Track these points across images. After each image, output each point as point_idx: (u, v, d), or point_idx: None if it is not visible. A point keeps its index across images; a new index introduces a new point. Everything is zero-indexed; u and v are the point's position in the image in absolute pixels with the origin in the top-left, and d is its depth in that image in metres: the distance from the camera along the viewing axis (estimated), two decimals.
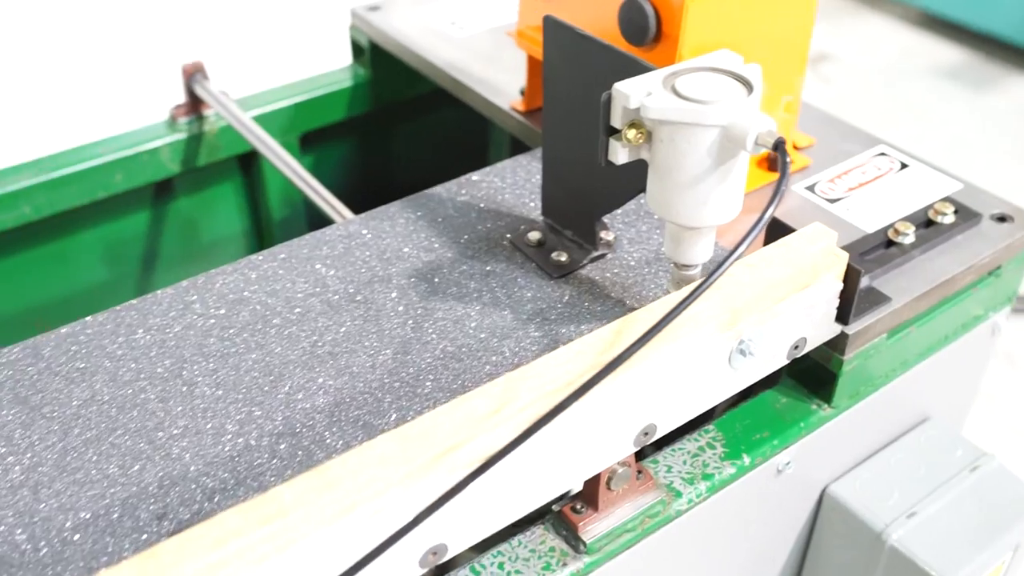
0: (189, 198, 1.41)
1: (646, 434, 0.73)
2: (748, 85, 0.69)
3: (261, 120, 1.36)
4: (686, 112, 0.67)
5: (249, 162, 1.43)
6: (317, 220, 1.50)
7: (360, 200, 1.49)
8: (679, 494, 0.80)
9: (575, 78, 0.82)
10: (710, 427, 0.85)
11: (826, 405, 0.88)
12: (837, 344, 0.84)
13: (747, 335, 0.75)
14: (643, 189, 0.76)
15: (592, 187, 0.84)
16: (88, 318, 0.84)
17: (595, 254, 0.88)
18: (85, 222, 1.33)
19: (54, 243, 1.32)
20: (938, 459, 0.97)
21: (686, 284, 0.78)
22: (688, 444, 0.84)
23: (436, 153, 1.61)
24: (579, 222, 0.89)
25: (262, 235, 1.50)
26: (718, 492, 0.82)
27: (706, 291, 0.64)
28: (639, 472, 0.79)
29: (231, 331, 0.82)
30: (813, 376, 0.88)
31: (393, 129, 1.55)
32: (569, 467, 0.69)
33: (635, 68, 0.75)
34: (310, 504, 0.59)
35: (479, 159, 1.54)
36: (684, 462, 0.83)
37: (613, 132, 0.72)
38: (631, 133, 0.70)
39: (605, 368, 0.63)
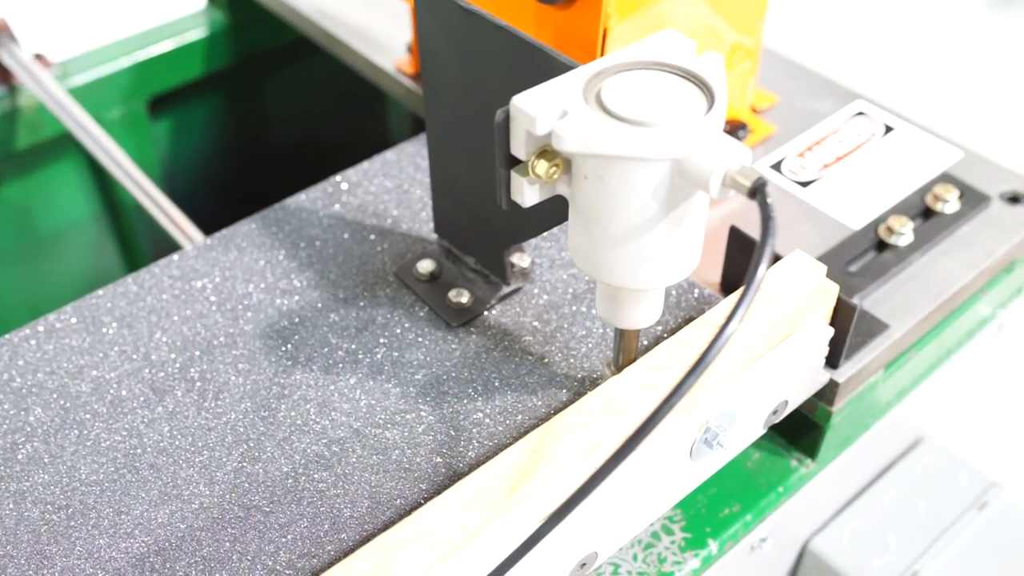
0: (16, 184, 1.16)
1: (583, 565, 0.54)
2: (707, 91, 0.48)
3: (97, 87, 1.10)
4: (620, 142, 0.45)
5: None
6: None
7: (228, 169, 1.25)
8: None
9: (463, 67, 0.59)
10: None
11: (808, 460, 0.70)
12: (824, 393, 0.65)
13: (713, 419, 0.55)
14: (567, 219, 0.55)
15: (497, 211, 0.62)
16: None
17: (506, 290, 0.67)
18: None
19: None
20: (939, 493, 0.80)
21: (628, 353, 0.58)
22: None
23: (320, 109, 1.36)
24: (483, 248, 0.67)
25: (119, 219, 1.25)
26: None
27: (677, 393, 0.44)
28: None
29: (12, 440, 0.60)
30: (793, 426, 0.69)
31: (264, 84, 1.30)
32: None
33: (542, 62, 0.53)
34: None
35: (371, 112, 1.30)
36: (635, 557, 0.64)
37: (515, 162, 0.50)
38: (540, 167, 0.49)
39: (523, 544, 0.43)
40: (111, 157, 0.93)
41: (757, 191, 0.44)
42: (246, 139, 1.33)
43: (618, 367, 0.59)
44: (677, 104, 0.47)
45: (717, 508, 0.67)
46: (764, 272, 0.43)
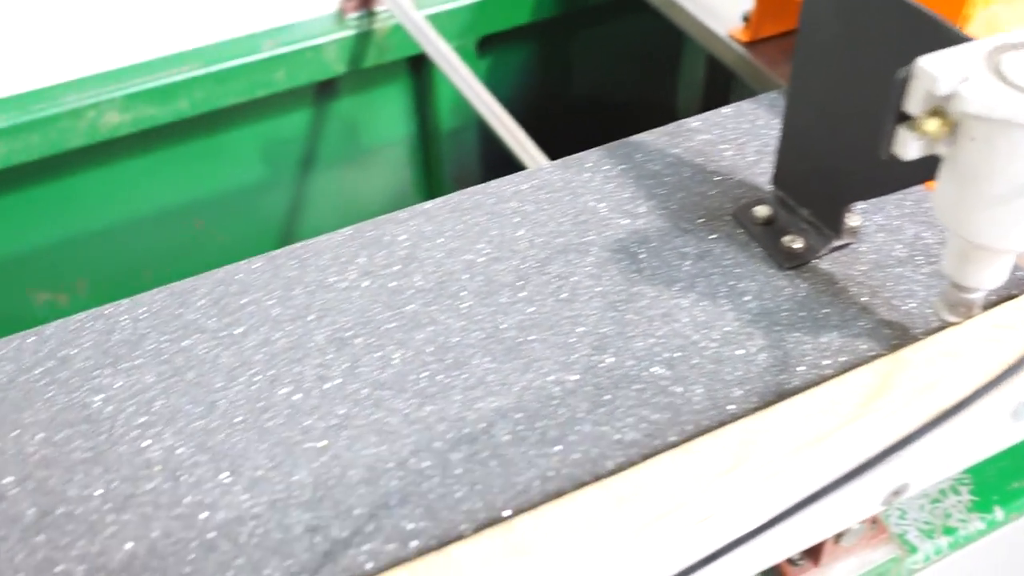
0: (353, 99, 1.30)
1: (896, 493, 0.60)
2: None
3: (437, 20, 1.22)
4: (1018, 110, 0.51)
5: (419, 65, 1.30)
6: (491, 137, 1.37)
7: (532, 117, 1.35)
8: (914, 549, 0.67)
9: (846, 31, 0.65)
10: None
11: None
12: None
13: None
14: (922, 181, 0.61)
15: (848, 167, 0.68)
16: (243, 263, 0.74)
17: (836, 243, 0.73)
18: (243, 119, 1.24)
19: (211, 138, 1.24)
20: None
21: (964, 309, 0.63)
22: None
23: (619, 70, 1.44)
24: (821, 202, 0.73)
25: (428, 145, 1.38)
26: (961, 550, 0.68)
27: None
28: (872, 522, 0.66)
29: (401, 298, 0.70)
30: None
31: (575, 39, 1.39)
32: (805, 530, 0.56)
33: (932, 32, 0.59)
34: (501, 570, 0.48)
35: (666, 81, 1.37)
36: (922, 508, 0.69)
37: (904, 119, 0.56)
38: (931, 124, 0.54)
39: (881, 454, 0.49)
40: (463, 79, 1.03)
41: None
42: (548, 91, 1.42)
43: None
44: None
45: (1007, 480, 0.70)
46: None
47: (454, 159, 1.37)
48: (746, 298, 0.69)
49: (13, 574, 0.55)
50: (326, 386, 0.64)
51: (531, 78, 1.39)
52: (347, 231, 0.76)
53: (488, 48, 1.31)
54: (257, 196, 1.32)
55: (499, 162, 1.38)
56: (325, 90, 1.26)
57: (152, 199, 1.25)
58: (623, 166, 0.80)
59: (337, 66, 1.20)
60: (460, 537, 0.55)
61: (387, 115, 1.33)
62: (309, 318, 0.69)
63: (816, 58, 0.68)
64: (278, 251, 0.74)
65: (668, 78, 1.38)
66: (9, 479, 0.60)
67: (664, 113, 1.41)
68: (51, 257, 1.25)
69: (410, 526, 0.56)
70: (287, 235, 1.39)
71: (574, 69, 1.41)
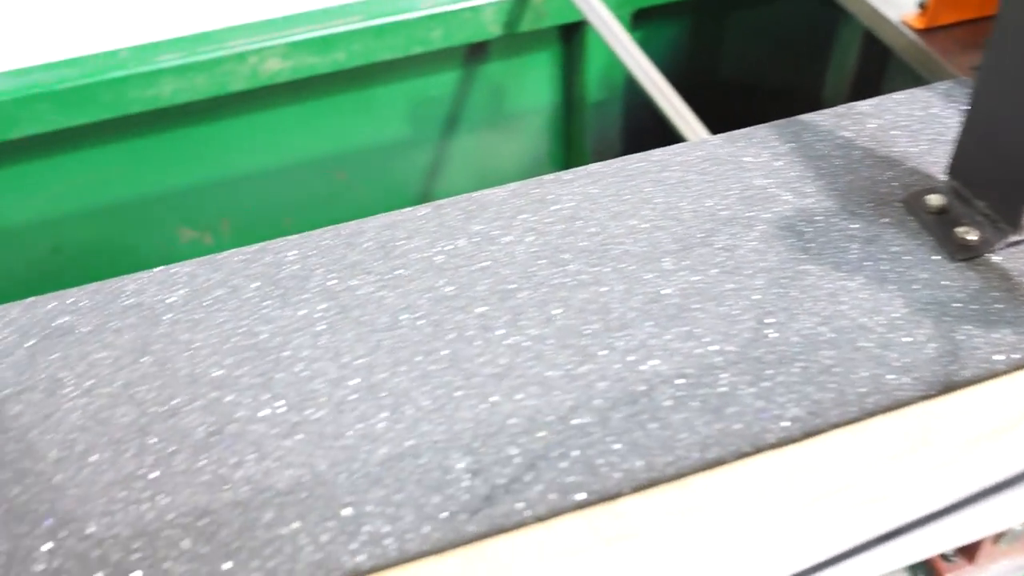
0: (502, 63, 1.30)
1: None
2: None
3: None
4: None
5: (572, 34, 1.29)
6: (638, 109, 1.37)
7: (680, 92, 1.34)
8: None
9: None
10: None
11: None
12: None
13: None
14: None
15: None
16: (409, 210, 0.75)
17: (1013, 238, 0.70)
18: (394, 76, 1.25)
19: (362, 92, 1.25)
20: None
21: None
22: None
23: (766, 51, 1.42)
24: (1001, 195, 0.71)
25: (571, 115, 1.38)
26: None
27: None
28: None
29: (565, 255, 0.71)
30: None
31: (729, 16, 1.37)
32: (968, 525, 0.55)
33: None
34: (666, 528, 0.48)
35: (814, 66, 1.34)
36: None
37: None
38: None
39: None
40: (625, 48, 1.03)
41: None
42: (695, 68, 1.41)
43: None
44: None
45: None
46: None
47: (596, 131, 1.37)
48: (915, 286, 0.68)
49: (184, 487, 0.57)
50: (488, 336, 0.65)
51: (679, 54, 1.38)
52: (512, 186, 0.76)
53: (642, 21, 1.30)
54: (398, 153, 1.34)
55: (643, 135, 1.38)
56: (476, 53, 1.27)
57: (300, 148, 1.27)
58: (792, 144, 0.79)
59: (492, 28, 1.21)
60: (619, 494, 0.55)
61: (533, 82, 1.33)
62: (473, 268, 0.70)
63: (1017, 44, 0.66)
64: (444, 201, 0.75)
65: (816, 63, 1.35)
66: (182, 397, 0.62)
67: (809, 97, 1.38)
68: (200, 196, 1.28)
69: (570, 479, 0.56)
70: (423, 195, 1.40)
71: (723, 47, 1.40)
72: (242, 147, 1.25)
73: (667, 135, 0.95)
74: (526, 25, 1.23)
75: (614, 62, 1.27)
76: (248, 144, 1.24)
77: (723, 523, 0.52)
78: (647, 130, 1.36)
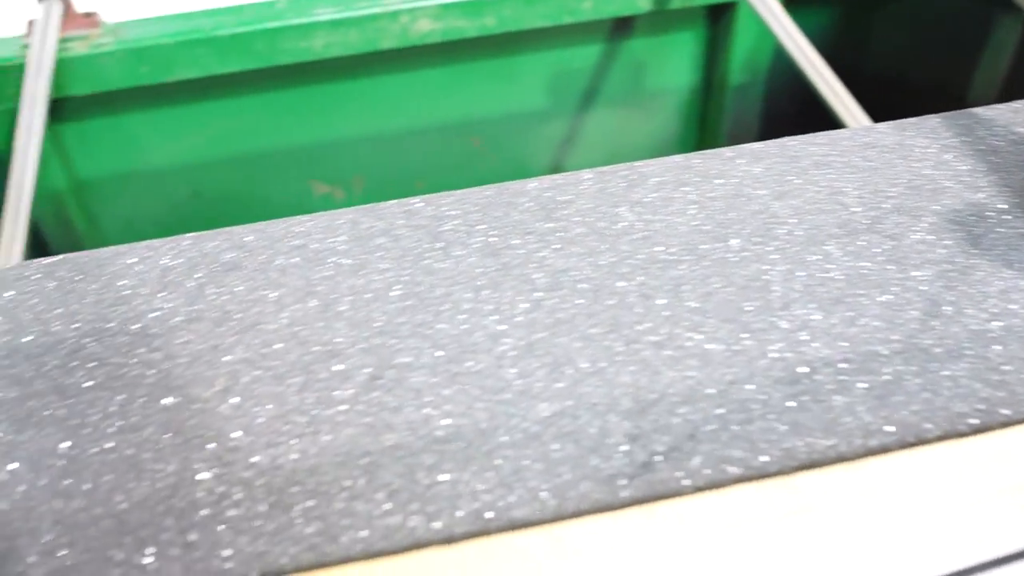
0: (645, 40, 1.29)
1: None
2: None
3: None
4: None
5: (720, 14, 1.28)
6: (780, 95, 1.35)
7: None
8: None
9: None
10: None
11: None
12: None
13: None
14: None
15: None
16: (571, 174, 0.75)
17: None
18: (539, 44, 1.25)
19: (506, 59, 1.26)
20: None
21: None
22: None
23: (918, 44, 1.38)
24: None
25: (709, 97, 1.36)
26: None
27: None
28: None
29: (727, 231, 0.70)
30: None
31: (882, 6, 1.34)
32: None
33: None
34: (842, 506, 0.47)
35: (967, 61, 1.30)
36: None
37: None
38: None
39: None
40: (784, 29, 1.01)
41: None
42: (840, 56, 1.38)
43: None
44: None
45: None
46: None
47: (733, 114, 1.35)
48: None
49: (346, 426, 0.58)
50: (649, 304, 0.65)
51: (825, 41, 1.35)
52: (675, 158, 0.76)
53: (793, 5, 1.28)
54: (533, 123, 1.34)
55: (782, 120, 1.35)
56: (621, 27, 1.26)
57: (439, 110, 1.28)
58: (963, 137, 0.77)
59: (642, 2, 1.20)
60: (780, 472, 0.55)
61: (675, 61, 1.32)
62: (635, 236, 0.69)
63: None
64: (605, 168, 0.75)
65: (966, 58, 1.32)
66: (344, 339, 0.63)
67: (956, 93, 1.34)
68: (336, 152, 1.30)
69: (729, 453, 0.56)
70: (552, 167, 1.40)
71: (872, 37, 1.36)
72: (383, 106, 1.26)
73: (813, 121, 0.93)
74: (677, 2, 1.21)
75: (761, 45, 1.25)
76: (390, 103, 1.26)
77: (892, 510, 0.51)
78: (787, 115, 1.34)
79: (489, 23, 1.16)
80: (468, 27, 1.15)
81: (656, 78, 1.33)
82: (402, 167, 1.34)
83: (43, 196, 1.22)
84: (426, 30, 1.15)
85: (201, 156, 1.28)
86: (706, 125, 1.38)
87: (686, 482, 0.55)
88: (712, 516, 0.52)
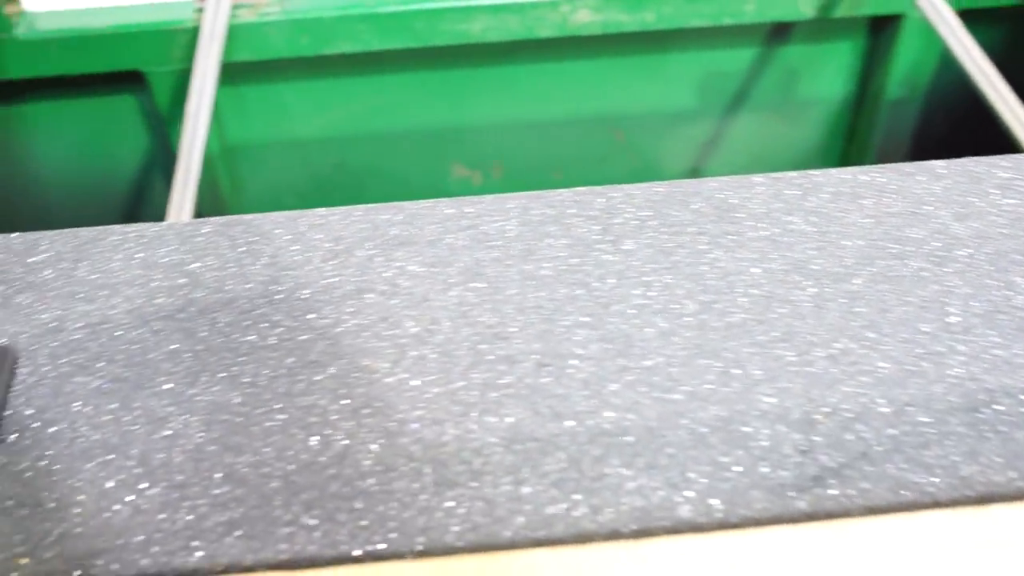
0: (801, 48, 1.27)
1: None
2: None
3: None
4: None
5: (882, 27, 1.25)
6: (938, 113, 1.31)
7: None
8: None
9: None
10: None
11: None
12: None
13: None
14: None
15: None
16: (743, 177, 0.74)
17: None
18: (694, 44, 1.24)
19: (658, 56, 1.25)
20: None
21: None
22: None
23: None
24: None
25: (860, 111, 1.33)
26: None
27: None
28: None
29: (905, 249, 0.68)
30: None
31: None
32: None
33: None
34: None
35: None
36: None
37: None
38: None
39: None
40: (961, 43, 0.98)
41: None
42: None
43: None
44: None
45: None
46: None
47: (885, 130, 1.31)
48: None
49: (522, 410, 0.58)
50: (821, 315, 0.63)
51: (1004, 56, 1.30)
52: (851, 170, 0.74)
53: (969, 19, 1.24)
54: (679, 122, 1.33)
55: (938, 139, 1.31)
56: (779, 33, 1.24)
57: (587, 101, 1.28)
58: None
59: (805, 9, 1.18)
60: (957, 502, 0.53)
61: (829, 71, 1.29)
62: (808, 246, 0.68)
63: None
64: (782, 173, 0.74)
65: None
66: (513, 324, 0.64)
67: None
68: (479, 136, 1.31)
69: (903, 476, 0.54)
70: (693, 169, 1.39)
71: None
72: (531, 93, 1.26)
73: (977, 141, 0.90)
74: (841, 11, 1.19)
75: (924, 59, 1.21)
76: (538, 91, 1.26)
77: None
78: (941, 135, 1.30)
79: (648, 18, 1.15)
80: (627, 21, 1.15)
81: (808, 87, 1.30)
82: (542, 156, 1.34)
83: None
84: (585, 21, 1.14)
85: (347, 130, 1.30)
86: (854, 139, 1.35)
87: (859, 501, 0.53)
88: (887, 540, 0.51)
